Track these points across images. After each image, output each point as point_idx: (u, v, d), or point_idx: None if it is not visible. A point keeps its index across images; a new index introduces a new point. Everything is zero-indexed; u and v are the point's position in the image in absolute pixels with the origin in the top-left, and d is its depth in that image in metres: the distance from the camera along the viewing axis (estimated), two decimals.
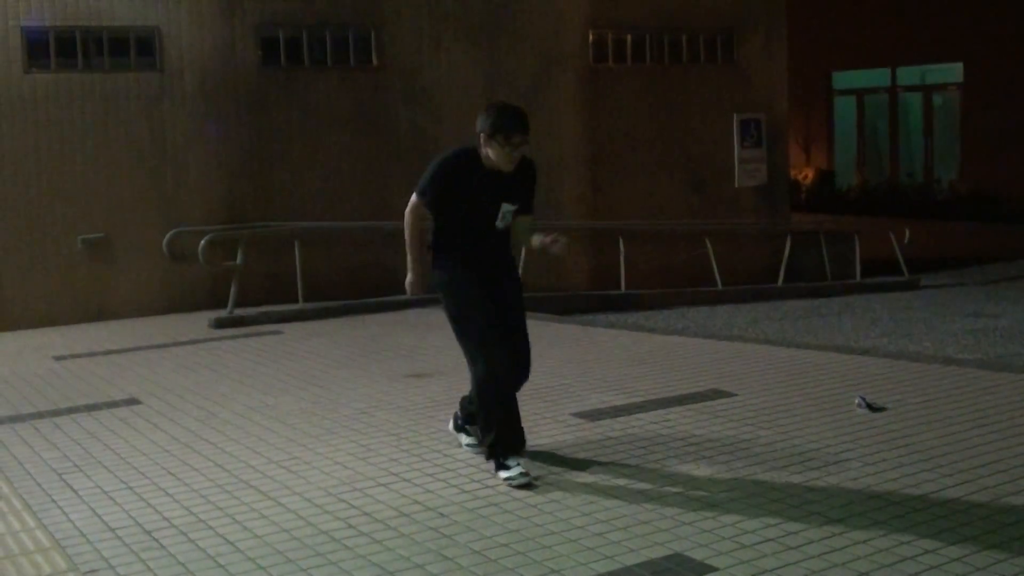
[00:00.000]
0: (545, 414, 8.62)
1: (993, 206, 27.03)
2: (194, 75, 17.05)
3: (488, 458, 7.13)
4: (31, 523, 6.56)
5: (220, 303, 15.49)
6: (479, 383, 7.05)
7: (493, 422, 7.01)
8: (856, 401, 8.65)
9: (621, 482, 6.79)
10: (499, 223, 7.16)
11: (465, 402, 7.58)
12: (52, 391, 10.63)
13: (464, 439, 7.66)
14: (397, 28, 18.38)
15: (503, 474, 6.88)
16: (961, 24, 28.88)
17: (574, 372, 10.17)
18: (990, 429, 7.83)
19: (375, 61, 18.34)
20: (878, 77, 32.18)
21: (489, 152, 6.99)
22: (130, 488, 7.18)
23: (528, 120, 7.02)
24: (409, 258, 7.24)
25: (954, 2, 29.06)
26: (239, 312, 14.90)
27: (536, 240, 7.21)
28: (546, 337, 12.43)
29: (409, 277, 7.30)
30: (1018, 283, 21.00)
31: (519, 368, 7.21)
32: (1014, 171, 27.92)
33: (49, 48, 16.36)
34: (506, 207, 7.12)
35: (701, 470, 7.01)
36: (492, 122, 6.93)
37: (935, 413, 8.35)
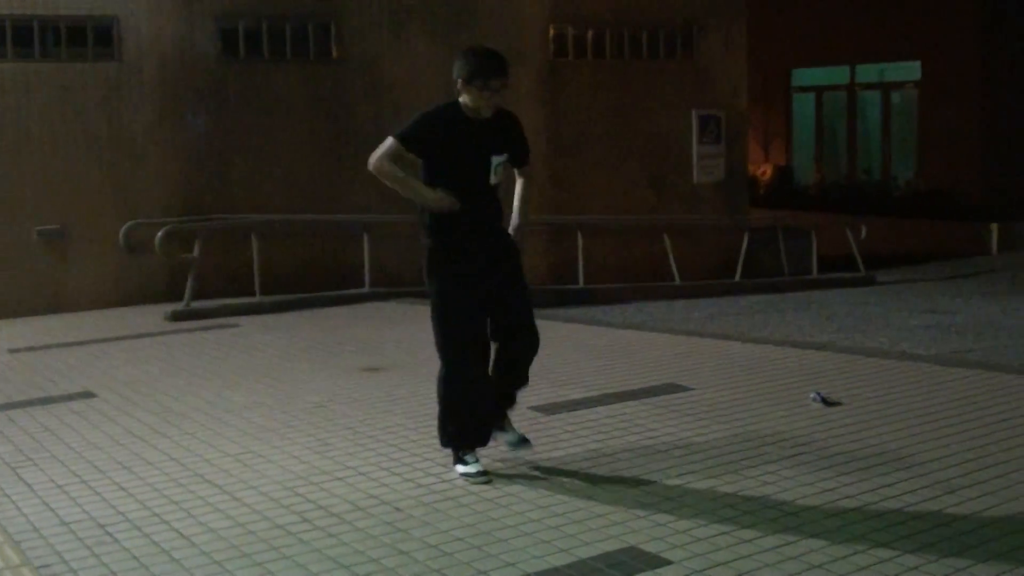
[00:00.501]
0: None
1: (949, 204, 27.16)
2: (153, 66, 16.98)
3: (444, 446, 7.07)
4: None
5: (177, 296, 15.42)
6: (441, 380, 6.95)
7: (452, 415, 6.92)
8: (811, 396, 8.68)
9: (577, 476, 6.80)
10: (493, 179, 6.85)
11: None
12: (6, 384, 10.57)
13: (502, 437, 7.08)
14: (357, 21, 18.34)
15: (460, 468, 6.86)
16: (919, 23, 28.99)
17: (531, 366, 10.16)
18: (943, 424, 7.88)
19: (335, 53, 18.30)
20: (837, 75, 32.27)
21: (467, 99, 6.76)
22: (84, 482, 7.14)
23: (507, 63, 6.79)
24: (413, 188, 6.82)
25: (912, 1, 29.19)
26: (196, 305, 14.85)
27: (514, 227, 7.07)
28: None
29: (430, 195, 6.77)
30: (973, 280, 21.14)
31: (525, 344, 6.97)
32: (970, 169, 28.08)
33: (6, 37, 16.27)
34: (496, 159, 6.83)
35: (657, 464, 7.03)
36: (469, 67, 6.72)
37: (890, 408, 8.40)
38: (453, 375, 6.84)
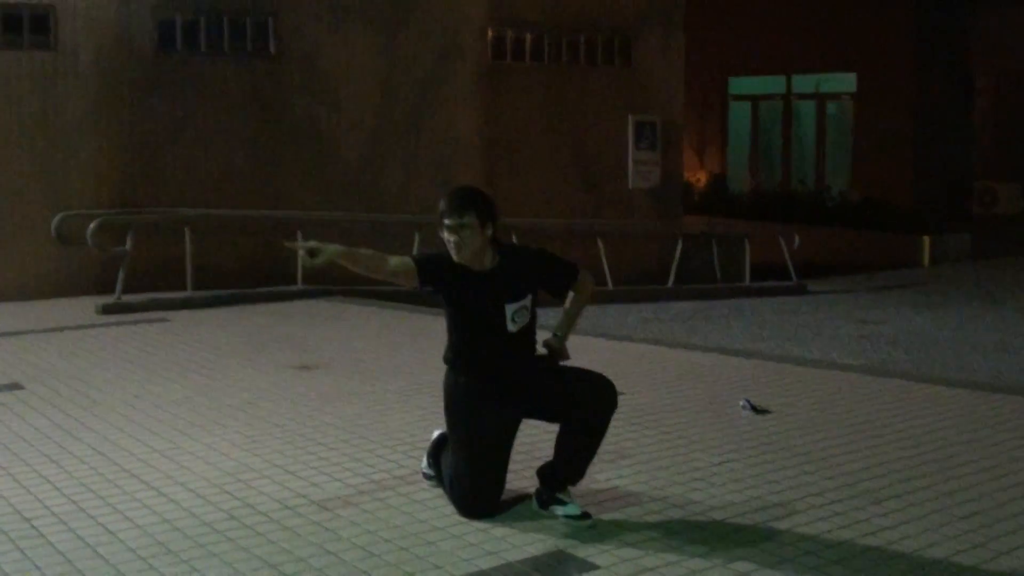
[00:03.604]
0: (433, 409, 8.60)
1: (882, 215, 27.41)
2: (88, 56, 16.82)
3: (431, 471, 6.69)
4: None
5: (108, 288, 15.28)
6: (447, 482, 6.42)
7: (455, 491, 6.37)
8: (741, 403, 8.73)
9: (507, 480, 6.78)
10: (511, 327, 6.19)
11: (544, 470, 6.37)
12: None
13: (560, 510, 6.22)
14: (295, 15, 18.27)
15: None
16: (855, 35, 29.26)
17: None
18: (872, 433, 7.95)
19: (272, 48, 18.21)
20: (774, 84, 32.50)
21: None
22: (10, 475, 7.06)
23: (466, 203, 6.06)
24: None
25: (848, 13, 29.43)
26: (127, 298, 14.72)
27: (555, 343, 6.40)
28: (431, 334, 12.44)
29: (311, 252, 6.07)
30: (904, 290, 21.34)
31: (592, 408, 6.19)
32: (902, 181, 28.37)
33: None
34: (512, 307, 6.18)
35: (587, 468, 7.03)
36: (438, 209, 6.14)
37: (819, 416, 8.47)
38: (454, 485, 6.34)
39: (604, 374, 6.30)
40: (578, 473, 6.32)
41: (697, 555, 5.64)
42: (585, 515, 6.11)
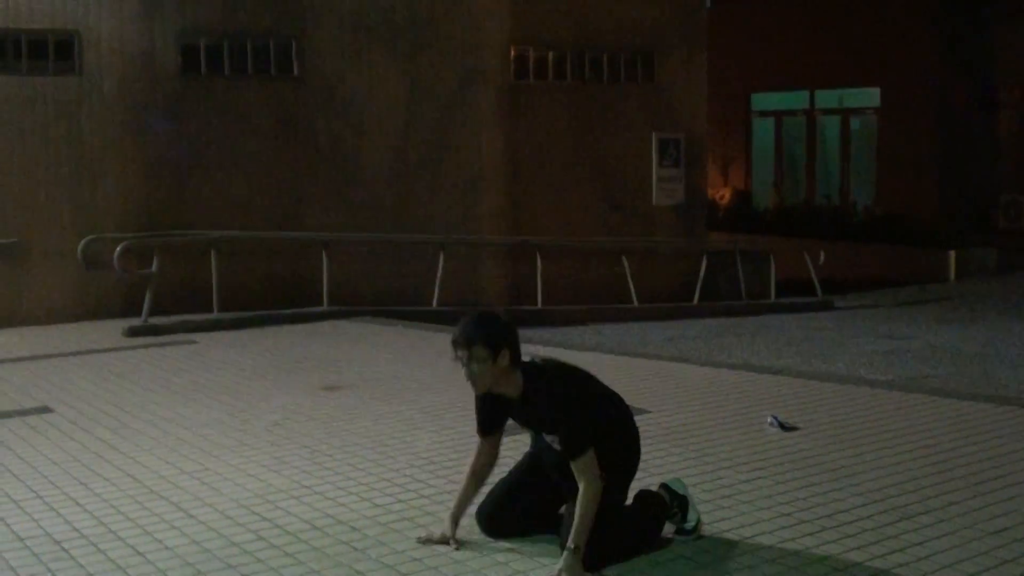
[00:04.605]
0: (459, 428, 8.62)
1: (907, 230, 27.33)
2: (113, 80, 16.91)
3: None
4: None
5: (135, 311, 15.33)
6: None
7: None
8: (768, 420, 8.71)
9: None
10: (557, 448, 5.92)
11: None
12: None
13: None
14: (319, 39, 18.34)
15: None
16: (879, 50, 29.20)
17: None
18: (900, 449, 7.92)
19: (296, 71, 18.28)
20: (797, 100, 32.45)
21: None
22: (40, 497, 7.09)
23: (471, 336, 5.79)
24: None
25: (872, 28, 29.39)
26: (154, 321, 14.77)
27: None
28: None
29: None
30: (930, 306, 21.27)
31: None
32: (927, 196, 28.29)
33: None
34: (549, 438, 5.97)
35: None
36: None
37: (846, 433, 8.44)
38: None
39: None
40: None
41: (725, 572, 5.63)
42: None
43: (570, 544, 5.59)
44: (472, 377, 5.84)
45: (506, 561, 5.82)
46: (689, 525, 6.12)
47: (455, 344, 5.82)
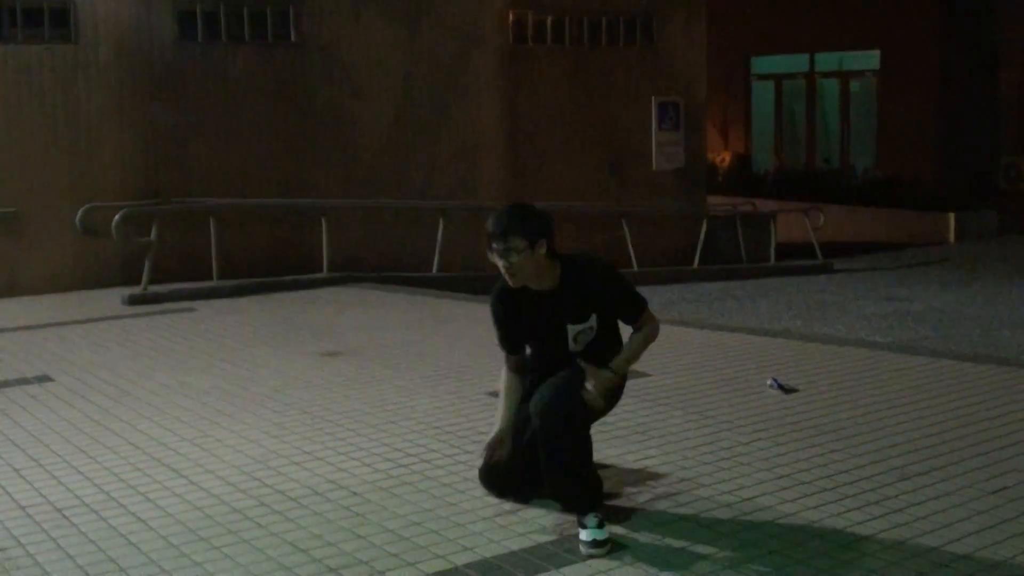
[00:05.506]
0: (460, 393, 8.64)
1: (907, 192, 27.30)
2: (110, 48, 16.84)
3: None
4: None
5: (134, 280, 15.33)
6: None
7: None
8: (768, 382, 8.72)
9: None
10: (573, 346, 5.97)
11: None
12: None
13: (581, 534, 5.58)
14: (316, 4, 18.26)
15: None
16: (878, 12, 29.10)
17: (490, 352, 10.17)
18: (900, 410, 7.93)
19: (293, 37, 18.21)
20: (796, 63, 32.37)
21: None
22: (41, 466, 7.10)
23: (508, 225, 5.71)
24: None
25: None
26: (153, 289, 14.77)
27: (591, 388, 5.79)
28: (458, 319, 12.49)
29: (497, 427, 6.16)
30: (930, 268, 21.28)
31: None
32: (927, 158, 28.25)
33: None
34: (574, 328, 5.94)
35: (615, 449, 7.04)
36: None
37: (846, 394, 8.45)
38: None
39: (574, 398, 5.75)
40: (555, 494, 5.95)
41: (726, 534, 5.65)
42: (598, 543, 5.47)
43: (611, 365, 5.86)
44: (510, 270, 5.76)
45: (507, 524, 5.82)
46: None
47: (491, 237, 5.72)
